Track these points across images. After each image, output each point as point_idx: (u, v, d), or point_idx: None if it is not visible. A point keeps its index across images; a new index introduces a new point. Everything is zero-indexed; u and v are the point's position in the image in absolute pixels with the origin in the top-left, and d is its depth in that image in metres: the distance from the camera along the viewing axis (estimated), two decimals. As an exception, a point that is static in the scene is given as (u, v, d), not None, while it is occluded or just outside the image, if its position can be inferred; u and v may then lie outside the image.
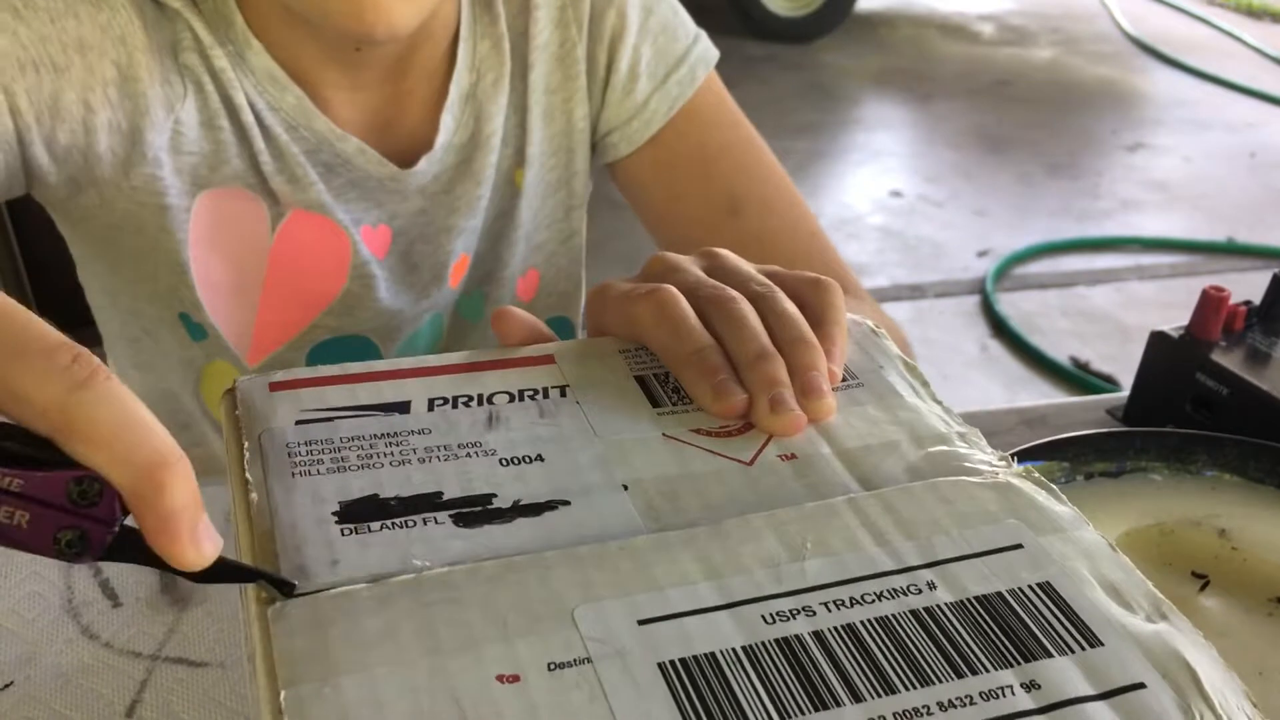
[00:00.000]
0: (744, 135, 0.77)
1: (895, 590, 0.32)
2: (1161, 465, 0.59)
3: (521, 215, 0.76)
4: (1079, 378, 2.43)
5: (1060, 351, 2.51)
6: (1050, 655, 0.30)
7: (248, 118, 0.67)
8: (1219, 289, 0.70)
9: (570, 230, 0.80)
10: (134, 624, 0.53)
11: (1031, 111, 3.92)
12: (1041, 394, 2.37)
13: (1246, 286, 0.77)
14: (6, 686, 0.50)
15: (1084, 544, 0.34)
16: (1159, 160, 3.61)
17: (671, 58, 0.76)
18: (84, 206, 0.67)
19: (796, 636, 0.30)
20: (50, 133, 0.62)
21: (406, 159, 0.71)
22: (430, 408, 0.39)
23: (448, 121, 0.71)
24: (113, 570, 0.56)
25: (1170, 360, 0.71)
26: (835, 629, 0.30)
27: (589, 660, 0.29)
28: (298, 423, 0.38)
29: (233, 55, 0.66)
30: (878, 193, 3.29)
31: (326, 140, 0.69)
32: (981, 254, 2.94)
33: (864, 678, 0.29)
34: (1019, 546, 0.34)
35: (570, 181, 0.78)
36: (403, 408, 0.39)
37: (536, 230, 0.78)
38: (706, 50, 0.78)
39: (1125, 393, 0.76)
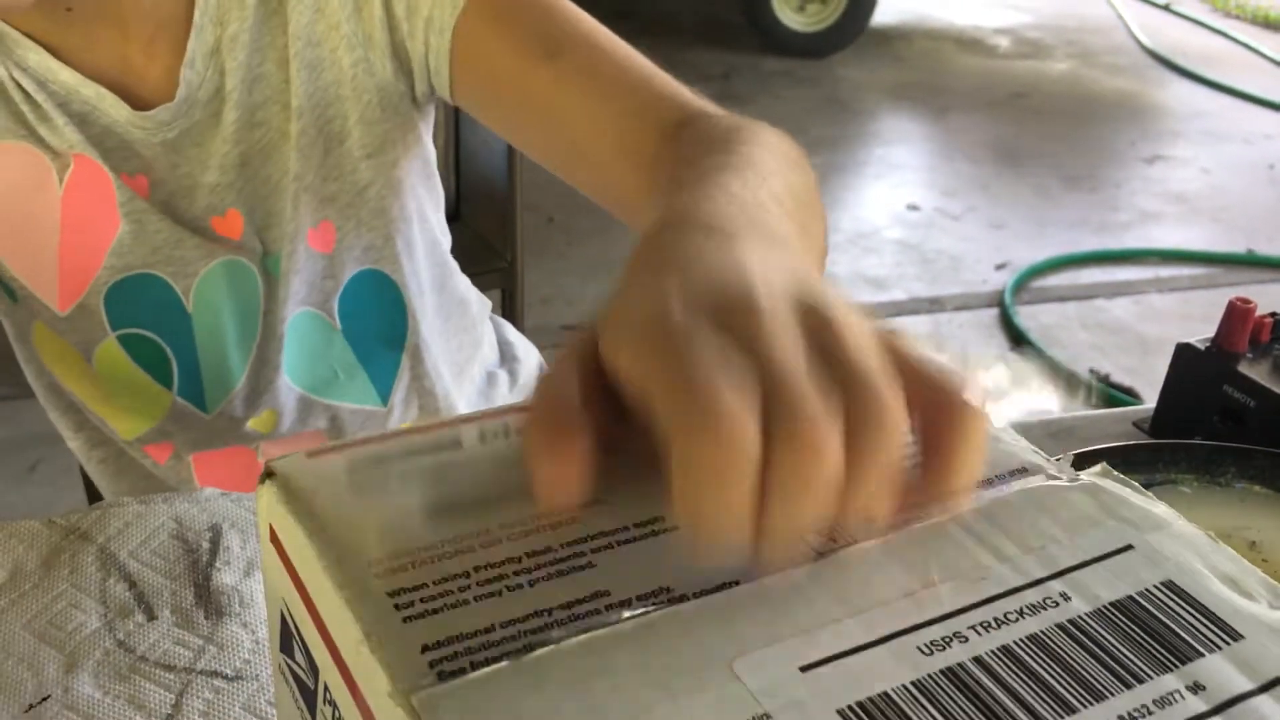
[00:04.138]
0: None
1: (1034, 606, 0.31)
2: (1191, 477, 0.59)
3: (293, 166, 0.75)
4: (1099, 390, 2.42)
5: (1080, 364, 2.51)
6: (1201, 654, 0.30)
7: (1, 74, 0.70)
8: (1245, 300, 0.70)
9: (367, 180, 0.78)
10: (169, 637, 0.54)
11: (1049, 124, 3.92)
12: (1062, 407, 2.36)
13: (1268, 298, 0.77)
14: (44, 700, 0.50)
15: (1187, 538, 0.34)
16: (1177, 172, 3.60)
17: None
18: None
19: (960, 665, 0.29)
20: None
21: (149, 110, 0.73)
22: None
23: (189, 76, 0.72)
24: (147, 584, 0.57)
25: (1197, 372, 0.71)
26: (994, 653, 0.30)
27: (768, 715, 0.28)
28: None
29: None
30: (895, 206, 3.29)
31: (73, 89, 0.71)
32: (1000, 267, 2.93)
33: (1041, 701, 0.28)
34: (1130, 548, 0.34)
35: (354, 130, 0.76)
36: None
37: (324, 182, 0.77)
38: None
39: (1150, 405, 0.76)
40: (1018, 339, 2.61)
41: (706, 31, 4.60)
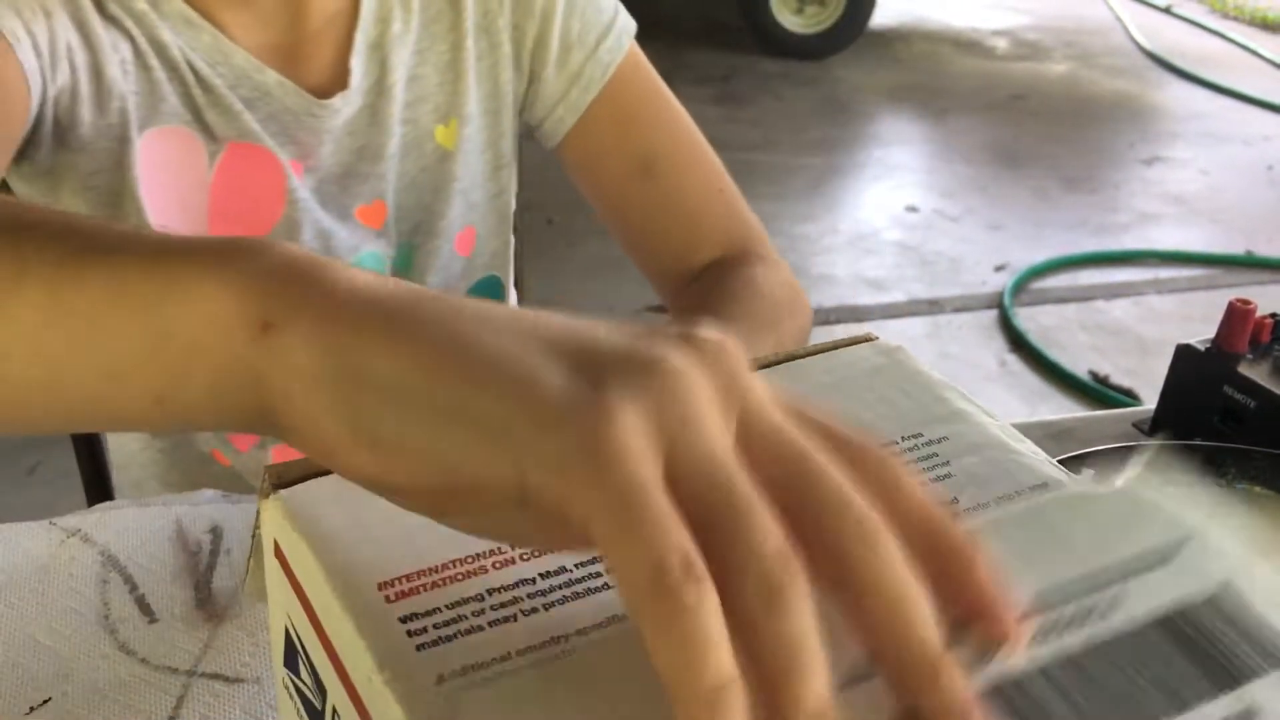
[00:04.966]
0: (661, 97, 0.82)
1: (1076, 619, 0.30)
2: (1191, 478, 0.59)
3: (459, 171, 0.80)
4: (1098, 392, 2.42)
5: (1079, 365, 2.51)
6: (1250, 676, 0.29)
7: (174, 54, 0.70)
8: (1245, 301, 0.70)
9: (499, 188, 0.84)
10: (169, 639, 0.54)
11: (1047, 126, 3.92)
12: (1061, 408, 2.36)
13: (1267, 299, 0.77)
14: (45, 703, 0.50)
15: (1224, 549, 0.33)
16: (1176, 173, 3.60)
17: (600, 27, 0.80)
18: (62, 165, 0.69)
19: (1001, 683, 0.28)
20: (53, 70, 0.65)
21: (318, 98, 0.75)
22: None
23: (355, 66, 0.75)
24: (148, 586, 0.57)
25: (1197, 373, 0.71)
26: (1037, 671, 0.29)
27: None
28: None
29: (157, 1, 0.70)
30: (894, 208, 3.29)
31: (245, 74, 0.72)
32: (999, 268, 2.93)
33: None
34: (1170, 559, 0.32)
35: (498, 142, 0.82)
36: None
37: (473, 188, 0.82)
38: (627, 20, 0.83)
39: (1150, 406, 0.76)
40: (1017, 341, 2.61)
41: (706, 33, 4.60)
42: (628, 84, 0.81)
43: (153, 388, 0.29)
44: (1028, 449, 0.38)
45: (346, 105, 0.75)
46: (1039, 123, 3.95)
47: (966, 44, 4.82)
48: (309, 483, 0.35)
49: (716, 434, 0.25)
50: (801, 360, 0.43)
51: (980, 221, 3.22)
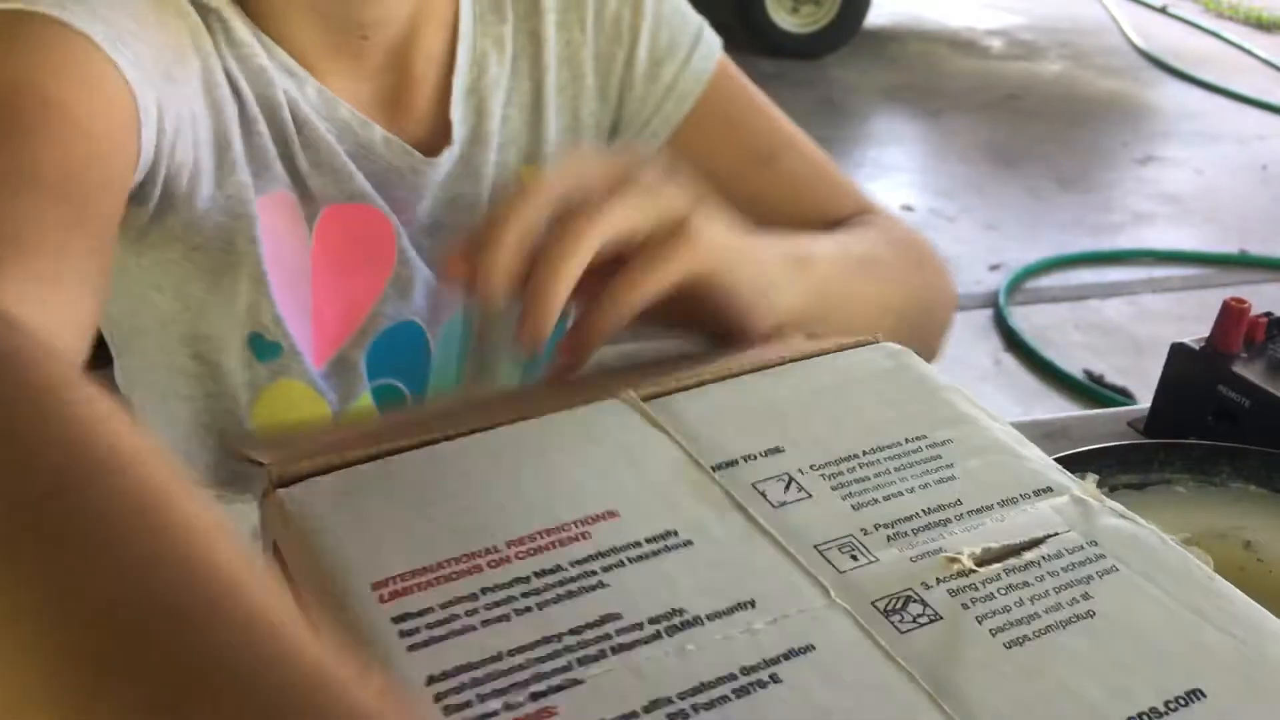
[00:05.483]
0: (758, 94, 0.82)
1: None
2: (1186, 477, 0.59)
3: None
4: (1093, 391, 2.42)
5: (1074, 365, 2.51)
6: None
7: (285, 115, 0.66)
8: (1240, 301, 0.70)
9: None
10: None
11: (1042, 125, 3.92)
12: (1056, 408, 2.36)
13: (1260, 299, 0.77)
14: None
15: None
16: (1170, 173, 3.61)
17: (689, 36, 0.79)
18: (165, 229, 0.65)
19: None
20: (172, 148, 0.60)
21: (420, 151, 0.71)
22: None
23: (457, 116, 0.72)
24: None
25: (1191, 372, 0.71)
26: None
27: None
28: None
29: (268, 53, 0.65)
30: (889, 207, 3.29)
31: (350, 129, 0.68)
32: (993, 268, 2.94)
33: None
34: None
35: None
36: None
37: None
38: (712, 33, 0.82)
39: (1145, 405, 0.76)
40: (1011, 340, 2.61)
41: (700, 33, 4.60)
42: (725, 90, 0.80)
43: None
44: (1033, 454, 0.39)
45: (450, 159, 0.72)
46: (1034, 122, 3.95)
47: (961, 44, 4.82)
48: (308, 482, 0.35)
49: None
50: (807, 361, 0.43)
51: (975, 221, 3.22)
